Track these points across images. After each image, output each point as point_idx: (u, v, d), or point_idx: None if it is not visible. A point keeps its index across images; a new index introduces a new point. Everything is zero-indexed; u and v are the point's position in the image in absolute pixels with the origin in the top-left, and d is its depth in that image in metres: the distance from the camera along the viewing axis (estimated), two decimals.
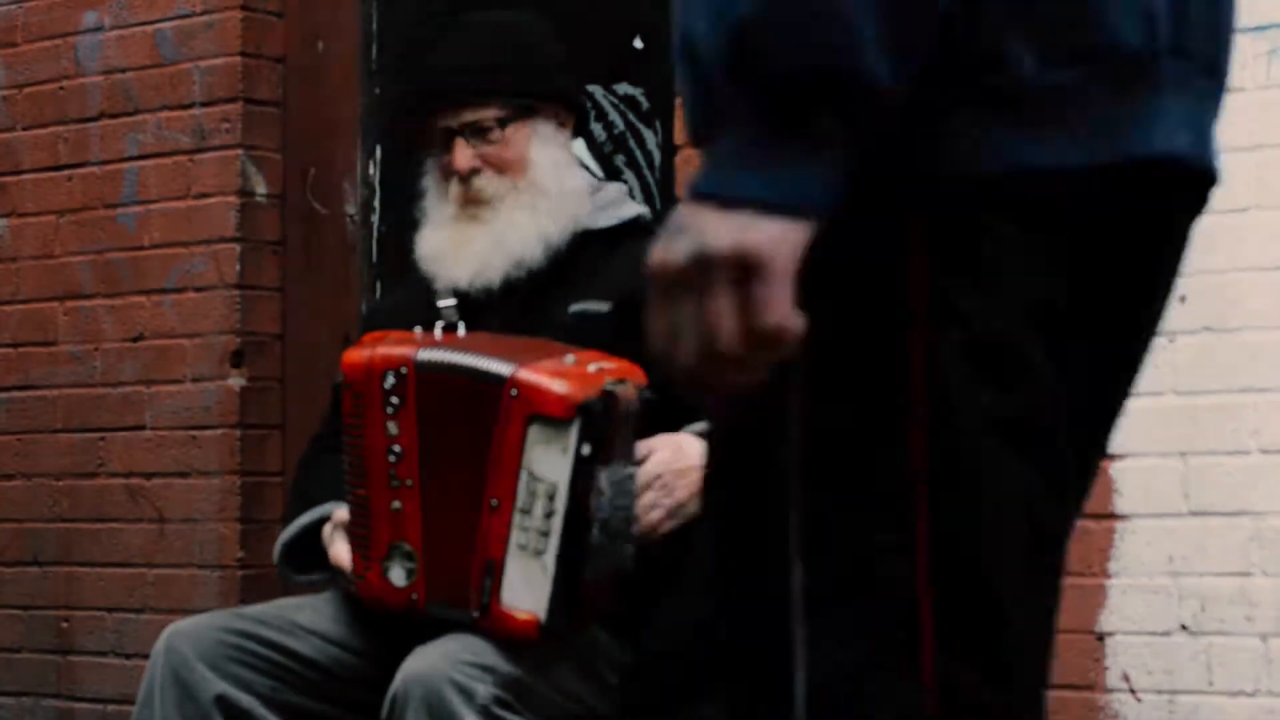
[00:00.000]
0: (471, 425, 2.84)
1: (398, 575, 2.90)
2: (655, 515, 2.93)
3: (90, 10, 5.18)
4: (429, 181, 3.27)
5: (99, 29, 5.16)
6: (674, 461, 2.94)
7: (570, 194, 3.20)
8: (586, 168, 3.32)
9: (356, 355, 2.95)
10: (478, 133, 3.17)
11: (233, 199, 4.94)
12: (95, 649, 5.04)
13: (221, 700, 2.94)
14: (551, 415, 2.77)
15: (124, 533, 5.02)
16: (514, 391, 2.80)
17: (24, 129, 5.29)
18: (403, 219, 4.95)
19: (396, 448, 2.88)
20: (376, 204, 4.94)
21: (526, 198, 3.17)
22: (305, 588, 3.21)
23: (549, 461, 2.79)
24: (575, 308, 3.09)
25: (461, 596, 2.85)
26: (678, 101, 4.30)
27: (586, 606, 2.87)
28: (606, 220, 3.23)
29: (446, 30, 3.34)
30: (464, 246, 3.17)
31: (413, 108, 3.31)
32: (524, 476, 2.80)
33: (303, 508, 3.17)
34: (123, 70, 5.12)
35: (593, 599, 2.87)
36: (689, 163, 4.31)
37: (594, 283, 3.13)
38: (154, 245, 5.04)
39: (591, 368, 2.84)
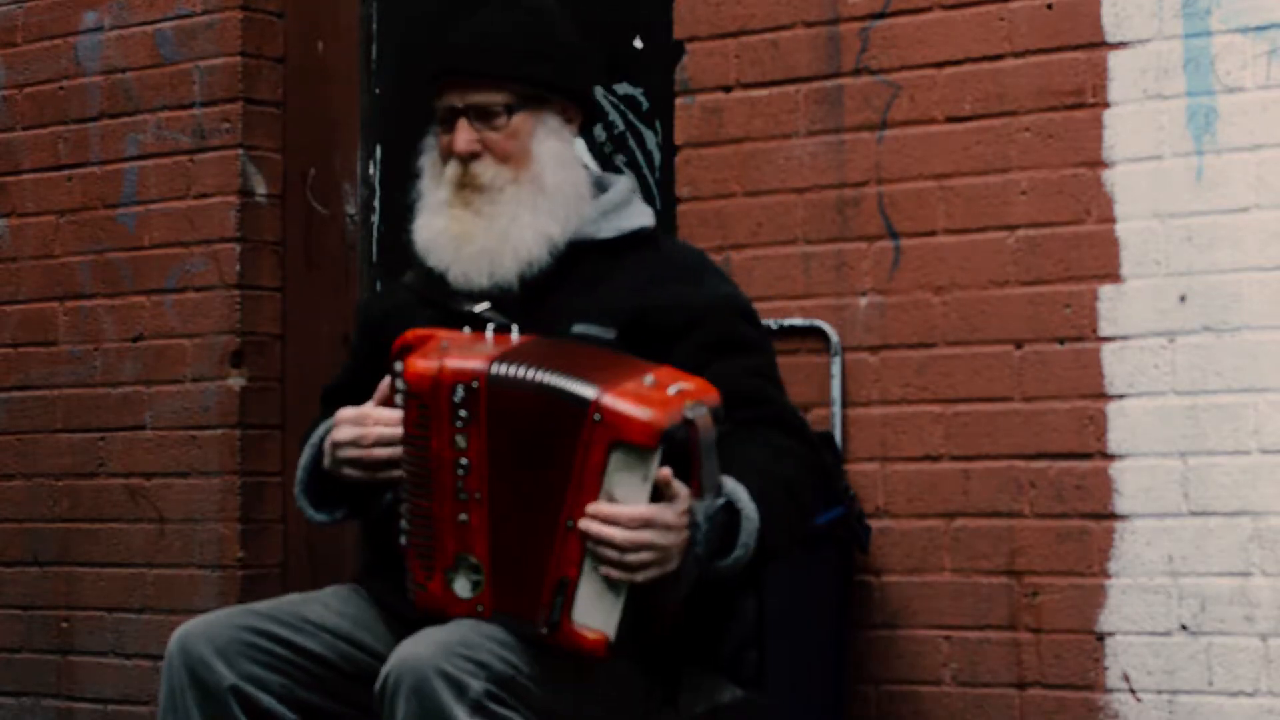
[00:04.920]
0: (547, 443, 2.79)
1: (463, 587, 2.86)
2: (644, 556, 2.77)
3: (90, 10, 5.18)
4: (425, 161, 3.18)
5: (99, 29, 5.17)
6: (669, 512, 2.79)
7: (572, 193, 3.10)
8: (586, 166, 3.23)
9: (423, 365, 2.83)
10: (483, 116, 3.08)
11: (233, 199, 4.94)
12: (95, 649, 5.04)
13: (236, 691, 2.93)
14: (635, 443, 2.73)
15: (124, 533, 5.02)
16: (598, 416, 2.74)
17: (24, 129, 5.29)
18: (403, 219, 4.95)
19: (465, 461, 2.82)
20: (376, 204, 4.94)
21: (527, 193, 3.08)
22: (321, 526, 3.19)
23: (629, 487, 2.75)
24: (579, 328, 3.01)
25: (530, 611, 2.81)
26: (677, 101, 4.30)
27: (653, 629, 2.85)
28: (609, 231, 3.13)
29: (473, 6, 3.21)
30: (466, 243, 3.09)
31: (426, 81, 3.16)
32: (603, 500, 2.77)
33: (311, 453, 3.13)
34: (123, 70, 5.12)
35: (659, 621, 2.85)
36: (689, 163, 4.30)
37: (595, 299, 3.05)
38: (154, 245, 5.04)
39: (671, 390, 2.78)
